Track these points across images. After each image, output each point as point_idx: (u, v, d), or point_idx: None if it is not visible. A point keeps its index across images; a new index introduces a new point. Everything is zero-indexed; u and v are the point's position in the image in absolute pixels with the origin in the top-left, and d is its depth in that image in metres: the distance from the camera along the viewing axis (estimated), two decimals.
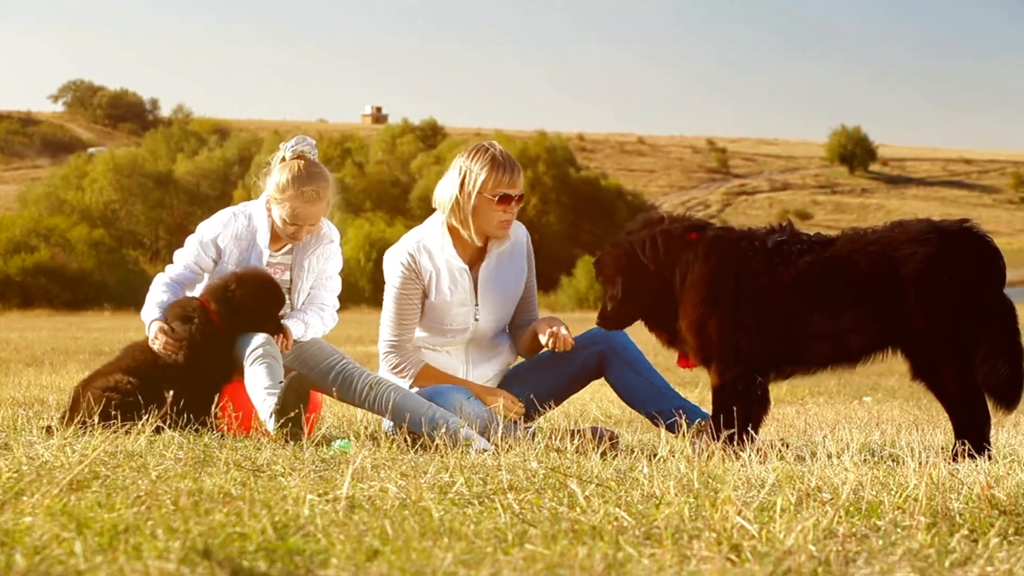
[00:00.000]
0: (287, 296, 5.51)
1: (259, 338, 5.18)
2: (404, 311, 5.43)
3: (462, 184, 5.36)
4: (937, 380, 4.86)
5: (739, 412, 4.84)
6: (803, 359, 4.97)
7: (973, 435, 4.78)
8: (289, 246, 5.53)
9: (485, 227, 5.40)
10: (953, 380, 4.83)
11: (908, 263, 4.78)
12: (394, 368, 5.44)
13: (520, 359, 5.73)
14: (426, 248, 5.43)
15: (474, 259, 5.51)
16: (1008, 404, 4.88)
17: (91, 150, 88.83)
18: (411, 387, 5.41)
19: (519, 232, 5.61)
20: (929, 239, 4.82)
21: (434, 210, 5.52)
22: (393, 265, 5.46)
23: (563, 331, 5.37)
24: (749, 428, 4.85)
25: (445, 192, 5.41)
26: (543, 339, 5.40)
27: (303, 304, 5.55)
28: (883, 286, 4.81)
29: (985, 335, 4.81)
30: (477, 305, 5.49)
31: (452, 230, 5.43)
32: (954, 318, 4.78)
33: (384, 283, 5.49)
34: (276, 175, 5.43)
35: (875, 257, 4.82)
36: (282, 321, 5.38)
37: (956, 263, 4.80)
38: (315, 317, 5.50)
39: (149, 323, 5.29)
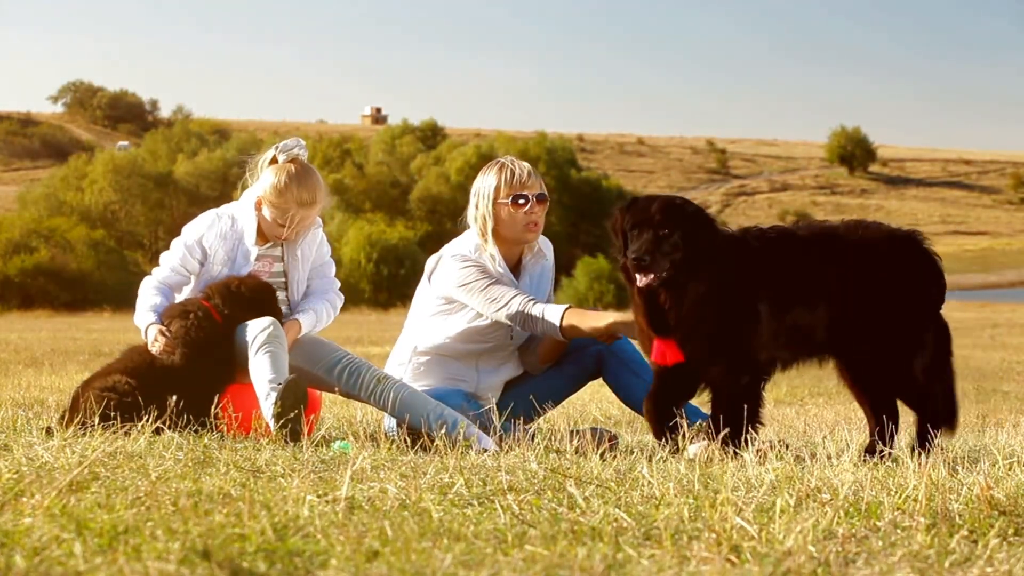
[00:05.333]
0: (285, 293, 5.52)
1: (263, 322, 5.17)
2: (494, 287, 5.35)
3: (478, 202, 5.44)
4: (867, 382, 4.92)
5: (748, 414, 4.80)
6: (784, 356, 4.95)
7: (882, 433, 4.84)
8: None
9: (513, 233, 5.42)
10: (881, 383, 4.90)
11: (865, 266, 4.81)
12: (542, 312, 5.24)
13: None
14: (482, 260, 5.45)
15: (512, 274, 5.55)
16: (948, 423, 4.98)
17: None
18: (563, 330, 5.25)
19: (549, 253, 5.66)
20: (883, 245, 4.85)
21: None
22: (455, 264, 5.42)
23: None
24: (751, 429, 4.83)
25: (470, 215, 5.48)
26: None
27: (306, 296, 5.56)
28: (841, 284, 4.81)
29: (921, 352, 4.86)
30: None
31: (498, 246, 5.47)
32: (897, 327, 4.82)
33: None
34: (270, 177, 5.42)
35: (839, 255, 4.83)
36: (295, 316, 5.42)
37: (909, 273, 4.86)
38: (323, 304, 5.53)
39: (146, 327, 5.29)
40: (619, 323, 5.20)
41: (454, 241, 5.58)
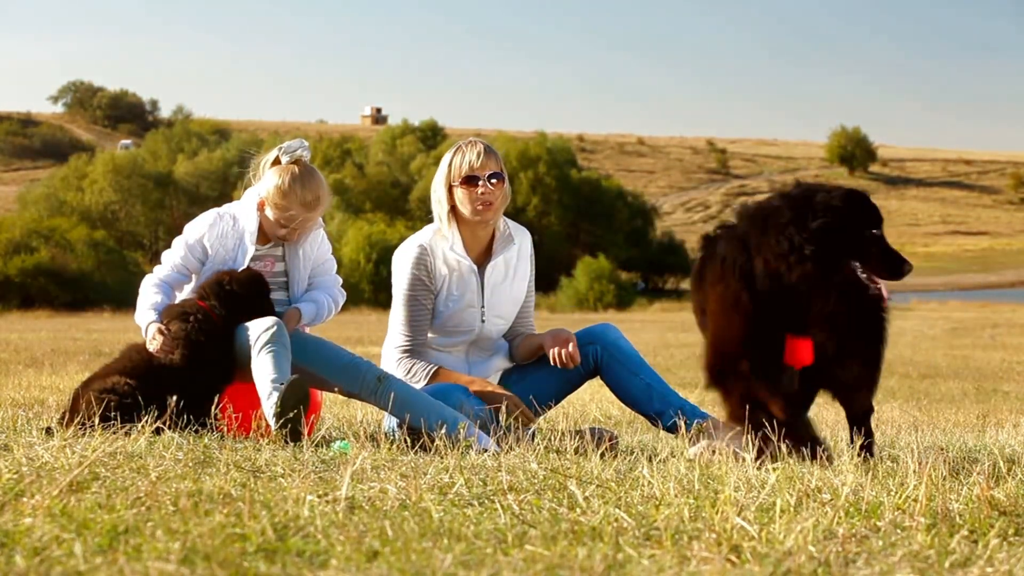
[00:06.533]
0: (286, 293, 5.53)
1: (266, 321, 5.18)
2: (415, 313, 5.45)
3: (436, 186, 5.53)
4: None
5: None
6: None
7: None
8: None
9: (469, 214, 5.45)
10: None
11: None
12: (408, 373, 5.45)
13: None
14: (436, 247, 5.47)
15: (481, 259, 5.54)
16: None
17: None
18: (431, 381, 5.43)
19: (526, 240, 5.67)
20: None
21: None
22: (403, 265, 5.48)
23: (571, 348, 5.38)
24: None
25: (431, 200, 5.55)
26: (550, 357, 5.42)
27: (307, 290, 5.57)
28: None
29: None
30: (483, 307, 5.52)
31: (460, 230, 5.49)
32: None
33: (390, 284, 5.53)
34: (273, 178, 5.43)
35: None
36: (296, 305, 5.43)
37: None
38: (324, 296, 5.55)
39: (146, 326, 5.29)
40: (486, 391, 5.33)
41: (417, 233, 5.63)
